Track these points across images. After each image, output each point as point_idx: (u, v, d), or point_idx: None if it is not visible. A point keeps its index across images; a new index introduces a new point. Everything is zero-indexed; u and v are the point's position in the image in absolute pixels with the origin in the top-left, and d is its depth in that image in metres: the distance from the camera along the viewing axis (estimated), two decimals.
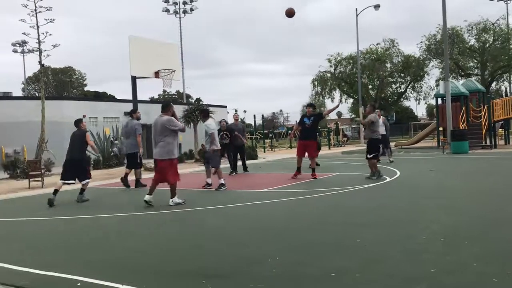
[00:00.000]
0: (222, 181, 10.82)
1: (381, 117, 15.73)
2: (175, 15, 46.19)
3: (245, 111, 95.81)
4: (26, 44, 48.21)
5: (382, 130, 14.16)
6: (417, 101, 50.42)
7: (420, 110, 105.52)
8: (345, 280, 4.10)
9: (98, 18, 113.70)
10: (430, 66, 46.67)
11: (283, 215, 7.46)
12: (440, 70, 44.25)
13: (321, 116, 13.21)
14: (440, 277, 4.05)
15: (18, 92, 60.62)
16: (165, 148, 8.64)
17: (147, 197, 8.71)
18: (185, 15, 46.28)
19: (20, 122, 24.34)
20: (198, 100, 65.08)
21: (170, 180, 8.68)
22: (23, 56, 55.76)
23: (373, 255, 4.82)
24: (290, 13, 12.12)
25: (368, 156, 11.77)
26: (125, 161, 12.96)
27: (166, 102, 9.46)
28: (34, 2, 19.92)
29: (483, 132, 24.27)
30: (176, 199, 8.71)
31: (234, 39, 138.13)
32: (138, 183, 12.32)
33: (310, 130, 12.50)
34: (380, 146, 13.32)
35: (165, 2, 45.95)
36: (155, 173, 9.27)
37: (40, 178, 14.45)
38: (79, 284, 4.34)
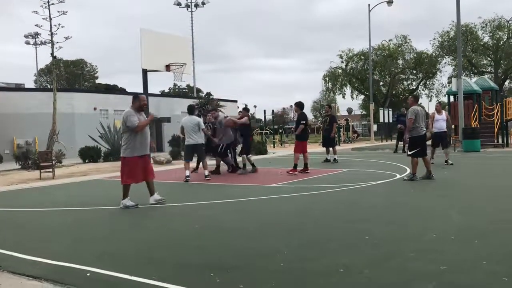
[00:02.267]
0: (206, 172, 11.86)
1: (443, 111, 14.36)
2: (187, 9, 46.20)
3: (255, 106, 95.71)
4: (38, 36, 48.59)
5: (439, 125, 13.68)
6: (429, 98, 50.08)
7: (431, 108, 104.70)
8: (354, 276, 4.09)
9: (110, 11, 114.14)
10: (442, 63, 46.36)
11: (293, 210, 7.45)
12: (453, 67, 43.89)
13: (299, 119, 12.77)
14: (449, 276, 4.02)
15: (30, 84, 61.19)
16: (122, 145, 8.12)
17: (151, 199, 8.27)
18: (196, 8, 46.29)
19: (32, 113, 24.56)
20: (209, 94, 65.14)
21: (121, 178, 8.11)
22: (36, 48, 56.26)
23: (382, 251, 4.80)
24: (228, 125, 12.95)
25: (408, 152, 10.57)
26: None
27: (136, 93, 8.88)
28: None
29: (495, 131, 24.03)
30: (126, 201, 8.03)
31: (246, 34, 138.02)
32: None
33: (295, 129, 12.84)
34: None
35: None
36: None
37: (51, 169, 14.57)
38: (88, 274, 4.37)
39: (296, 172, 12.25)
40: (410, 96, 12.05)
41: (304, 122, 12.57)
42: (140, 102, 8.26)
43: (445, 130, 14.01)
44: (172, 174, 13.73)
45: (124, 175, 8.00)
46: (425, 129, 10.62)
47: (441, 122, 13.90)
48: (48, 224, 7.03)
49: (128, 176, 7.98)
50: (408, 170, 12.38)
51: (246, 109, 13.72)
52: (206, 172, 11.95)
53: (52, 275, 4.39)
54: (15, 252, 5.25)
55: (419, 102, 11.09)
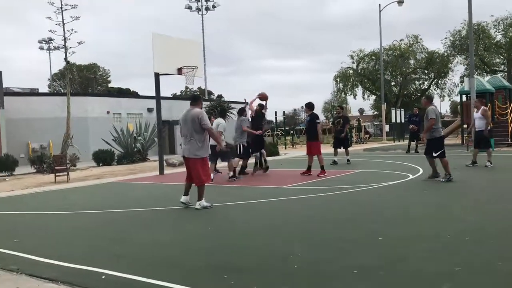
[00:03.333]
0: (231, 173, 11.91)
1: (482, 107, 13.39)
2: (198, 12, 46.45)
3: (266, 108, 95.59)
4: (52, 41, 49.16)
5: (479, 124, 13.05)
6: (441, 98, 49.67)
7: (444, 107, 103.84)
8: (368, 277, 4.09)
9: (121, 15, 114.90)
10: (454, 63, 45.91)
11: (305, 211, 7.46)
12: (465, 66, 43.47)
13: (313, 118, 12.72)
14: (464, 276, 4.01)
15: (44, 89, 61.78)
16: (191, 146, 7.89)
17: (183, 198, 8.22)
18: (207, 12, 46.52)
19: (46, 117, 24.86)
20: (220, 96, 65.31)
21: (197, 180, 7.96)
22: (49, 53, 56.97)
23: (396, 253, 4.80)
24: (263, 98, 13.78)
25: (434, 154, 10.25)
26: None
27: (196, 94, 9.12)
28: (60, 0, 20.29)
29: (509, 130, 23.78)
30: (204, 202, 7.96)
31: (256, 36, 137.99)
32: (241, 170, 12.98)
33: (308, 130, 12.75)
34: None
35: None
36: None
37: (65, 173, 14.74)
38: (103, 276, 4.43)
39: (325, 174, 12.16)
40: (424, 97, 11.75)
41: (319, 121, 12.64)
42: (201, 103, 8.46)
43: (482, 129, 13.22)
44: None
45: (202, 175, 7.90)
46: (441, 129, 10.44)
47: (477, 121, 13.23)
48: (64, 227, 7.12)
49: (207, 176, 8.14)
50: (421, 171, 12.32)
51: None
52: (231, 173, 12.02)
53: (69, 277, 4.45)
54: (32, 255, 5.33)
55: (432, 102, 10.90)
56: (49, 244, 5.97)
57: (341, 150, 15.99)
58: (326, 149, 27.56)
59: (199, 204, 7.89)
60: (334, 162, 15.40)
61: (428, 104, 10.54)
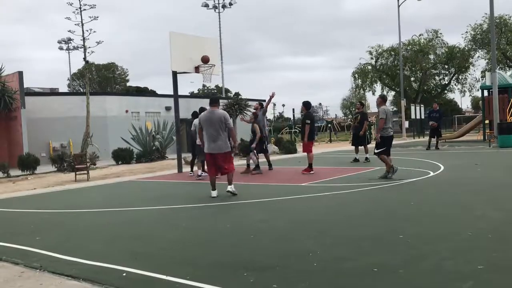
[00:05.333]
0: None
1: None
2: (214, 10, 46.49)
3: (283, 105, 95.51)
4: (71, 41, 49.82)
5: None
6: (462, 93, 48.89)
7: (464, 103, 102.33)
8: (388, 276, 4.05)
9: (139, 14, 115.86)
10: (475, 57, 45.16)
11: (324, 209, 7.42)
12: (487, 61, 42.73)
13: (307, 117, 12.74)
14: (487, 275, 3.94)
15: (64, 88, 62.72)
16: (224, 142, 8.95)
17: (214, 193, 9.01)
18: (224, 9, 46.54)
19: (66, 117, 25.19)
20: (237, 94, 65.41)
21: (229, 168, 9.11)
22: (68, 53, 57.78)
23: (416, 251, 4.73)
24: (205, 60, 14.72)
25: (375, 150, 10.68)
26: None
27: (215, 96, 9.68)
28: (79, 0, 20.51)
29: None
30: (233, 187, 9.12)
31: (273, 33, 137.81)
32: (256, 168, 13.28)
33: (302, 129, 12.77)
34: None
35: None
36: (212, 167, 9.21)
37: (86, 171, 14.92)
38: (124, 274, 4.47)
39: (312, 172, 12.29)
40: (378, 96, 11.90)
41: (309, 121, 12.53)
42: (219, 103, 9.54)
43: None
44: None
45: (232, 164, 9.28)
46: (391, 130, 10.67)
47: None
48: (85, 225, 7.21)
49: (233, 164, 9.34)
50: (442, 167, 12.15)
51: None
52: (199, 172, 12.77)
53: (90, 275, 4.50)
54: (54, 252, 5.41)
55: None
56: (70, 242, 6.05)
57: (361, 147, 15.74)
58: (345, 146, 27.39)
59: (231, 187, 9.06)
60: (355, 160, 15.22)
61: (382, 103, 10.90)
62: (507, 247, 4.72)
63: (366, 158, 15.30)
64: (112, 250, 5.53)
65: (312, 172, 12.33)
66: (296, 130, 38.35)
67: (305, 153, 12.72)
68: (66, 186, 13.24)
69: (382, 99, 11.18)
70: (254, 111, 13.60)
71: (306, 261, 4.55)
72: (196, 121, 12.30)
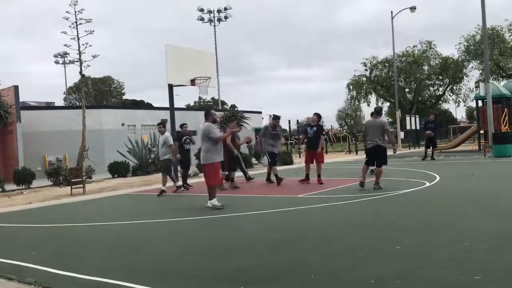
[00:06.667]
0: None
1: None
2: (210, 23, 46.76)
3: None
4: (67, 55, 49.82)
5: None
6: (456, 104, 49.15)
7: (459, 113, 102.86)
8: (385, 287, 4.04)
9: (135, 28, 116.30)
10: (469, 68, 45.48)
11: (321, 220, 7.42)
12: (480, 71, 43.02)
13: (321, 129, 13.12)
14: (484, 285, 3.94)
15: (60, 102, 62.66)
16: (205, 154, 9.06)
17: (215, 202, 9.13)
18: (219, 23, 46.80)
19: (62, 130, 25.12)
20: (233, 106, 65.53)
21: (208, 181, 9.12)
22: (64, 66, 57.62)
23: (413, 261, 4.73)
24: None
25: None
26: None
27: (207, 109, 9.75)
28: (75, 14, 20.60)
29: None
30: (214, 201, 8.99)
31: (268, 45, 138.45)
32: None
33: (314, 140, 12.67)
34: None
35: (200, 11, 46.59)
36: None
37: (82, 185, 14.85)
38: None
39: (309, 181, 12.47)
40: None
41: (324, 134, 12.92)
42: (212, 116, 9.40)
43: None
44: (200, 187, 13.77)
45: (210, 178, 9.07)
46: (370, 142, 10.79)
47: None
48: (80, 239, 7.17)
49: (215, 178, 9.13)
50: (438, 178, 12.18)
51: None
52: (163, 188, 12.40)
53: None
54: (50, 267, 5.36)
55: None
56: (65, 256, 6.01)
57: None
58: (340, 157, 27.42)
59: (209, 202, 8.99)
60: (372, 171, 14.84)
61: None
62: (504, 258, 4.72)
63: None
64: (107, 264, 5.50)
65: (309, 182, 12.42)
66: (292, 141, 38.37)
67: (303, 164, 12.79)
68: (62, 200, 13.17)
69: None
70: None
71: (304, 273, 4.54)
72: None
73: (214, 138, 9.03)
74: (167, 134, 12.59)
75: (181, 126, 13.68)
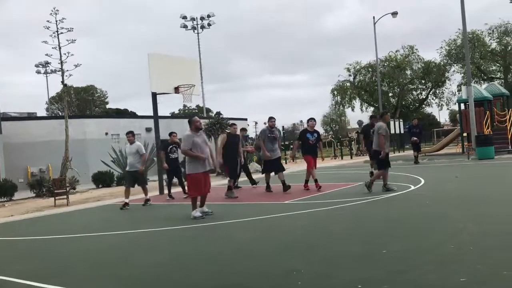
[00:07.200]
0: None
1: None
2: (193, 31, 46.71)
3: (265, 123, 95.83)
4: (49, 65, 49.43)
5: None
6: (439, 107, 49.77)
7: (442, 116, 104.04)
8: None
9: (117, 36, 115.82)
10: (451, 71, 46.12)
11: (307, 226, 7.40)
12: (462, 75, 43.65)
13: (319, 134, 12.88)
14: (470, 287, 3.95)
15: (42, 112, 62.01)
16: (187, 164, 8.97)
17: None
18: (202, 30, 46.76)
19: (45, 141, 24.82)
20: (219, 113, 65.45)
21: (189, 192, 9.20)
22: (46, 76, 57.06)
23: (400, 265, 4.73)
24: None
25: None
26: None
27: (190, 117, 9.49)
28: (56, 24, 20.42)
29: (509, 137, 23.77)
30: (194, 212, 8.83)
31: (252, 52, 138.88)
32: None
33: (316, 146, 12.60)
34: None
35: (183, 18, 46.54)
36: None
37: (65, 196, 14.66)
38: None
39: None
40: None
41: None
42: (194, 124, 9.00)
43: None
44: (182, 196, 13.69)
45: (190, 189, 8.95)
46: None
47: None
48: (65, 252, 7.05)
49: (194, 190, 8.83)
50: (423, 181, 12.26)
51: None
52: (147, 197, 12.13)
53: None
54: (34, 281, 5.24)
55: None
56: (50, 269, 5.89)
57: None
58: (326, 162, 27.51)
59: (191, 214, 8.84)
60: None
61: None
62: (488, 260, 4.75)
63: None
64: (93, 276, 5.40)
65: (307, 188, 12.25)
66: (282, 147, 38.35)
67: (296, 169, 12.68)
68: (45, 212, 12.97)
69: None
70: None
71: (291, 280, 4.51)
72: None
73: (181, 151, 9.04)
74: (139, 143, 12.08)
75: (170, 134, 13.51)
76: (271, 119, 12.77)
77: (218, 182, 17.81)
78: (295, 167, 24.74)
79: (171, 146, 13.16)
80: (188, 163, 8.89)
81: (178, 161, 13.51)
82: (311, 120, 12.70)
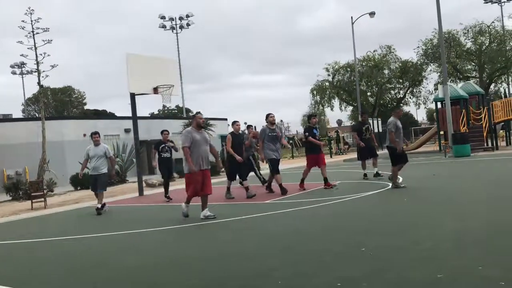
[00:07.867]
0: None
1: None
2: (172, 31, 46.44)
3: (245, 123, 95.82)
4: (24, 65, 48.51)
5: None
6: (417, 106, 50.46)
7: (420, 115, 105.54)
8: None
9: (95, 37, 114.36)
10: (428, 71, 46.74)
11: (288, 226, 7.42)
12: (438, 74, 44.27)
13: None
14: (446, 283, 4.02)
15: (18, 114, 60.88)
16: (184, 162, 8.76)
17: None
18: (181, 30, 46.54)
19: (21, 143, 24.35)
20: (198, 113, 65.09)
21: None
22: (22, 77, 56.16)
23: (378, 263, 4.78)
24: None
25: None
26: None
27: (193, 114, 9.26)
28: (31, 23, 20.08)
29: (485, 134, 24.24)
30: (183, 206, 8.85)
31: (231, 52, 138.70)
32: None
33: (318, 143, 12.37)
34: None
35: (161, 18, 46.24)
36: None
37: (43, 199, 14.41)
38: None
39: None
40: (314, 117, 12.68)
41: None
42: (196, 120, 8.84)
43: None
44: (163, 197, 13.59)
45: (186, 188, 8.76)
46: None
47: None
48: (42, 255, 6.93)
49: (190, 189, 8.62)
50: (401, 179, 12.42)
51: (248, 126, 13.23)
52: (99, 205, 11.11)
53: None
54: (10, 287, 5.15)
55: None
56: (27, 274, 5.79)
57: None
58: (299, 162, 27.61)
59: (201, 214, 8.62)
60: (365, 176, 13.88)
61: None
62: (464, 255, 4.84)
63: (378, 173, 13.96)
64: (72, 280, 5.32)
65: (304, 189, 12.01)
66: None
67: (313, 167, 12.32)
68: (22, 215, 12.73)
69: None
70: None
71: (270, 279, 4.52)
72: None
73: (181, 146, 8.73)
74: (106, 145, 11.54)
75: (162, 132, 12.94)
76: (269, 115, 11.82)
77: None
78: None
79: (163, 145, 12.64)
80: (184, 161, 8.72)
81: (171, 161, 12.99)
82: (313, 117, 12.77)
